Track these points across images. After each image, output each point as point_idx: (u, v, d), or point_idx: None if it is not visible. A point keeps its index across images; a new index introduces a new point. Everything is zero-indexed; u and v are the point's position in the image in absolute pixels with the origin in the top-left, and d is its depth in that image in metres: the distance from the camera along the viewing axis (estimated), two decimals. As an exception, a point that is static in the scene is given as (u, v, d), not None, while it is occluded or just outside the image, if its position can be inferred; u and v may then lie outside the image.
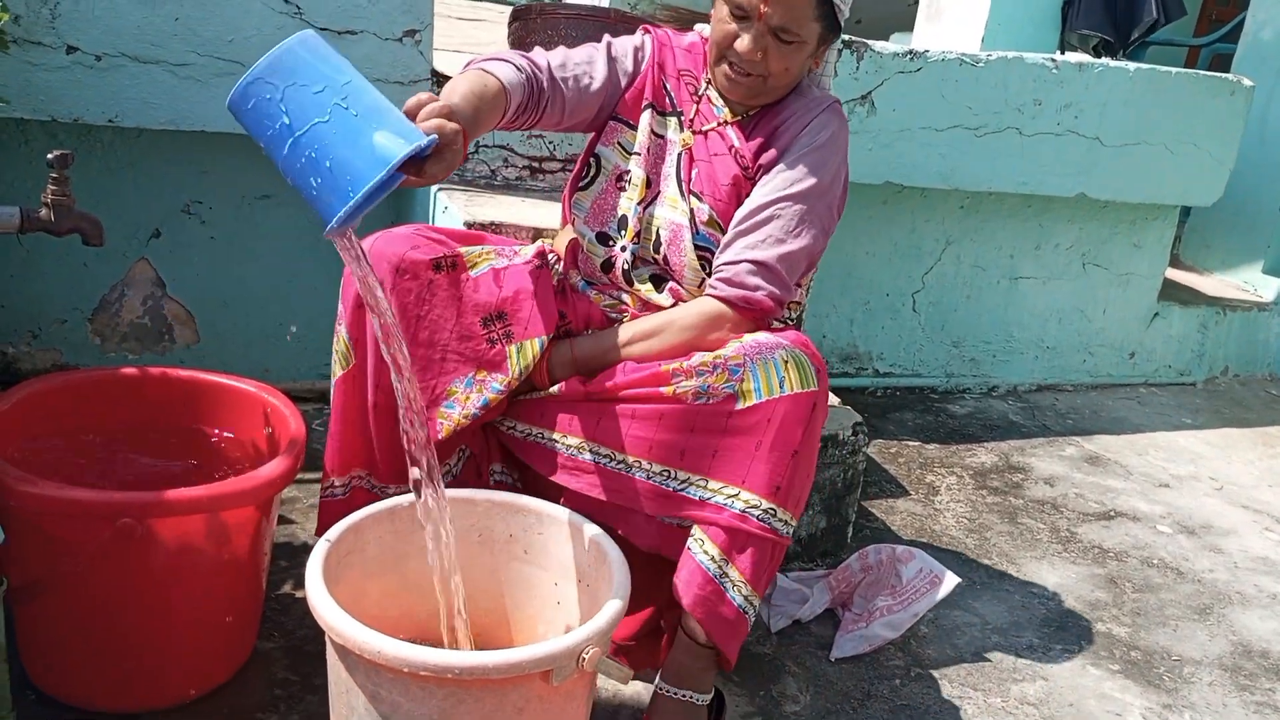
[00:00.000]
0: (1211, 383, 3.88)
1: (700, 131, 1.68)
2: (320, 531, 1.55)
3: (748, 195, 1.63)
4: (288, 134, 1.16)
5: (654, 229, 1.67)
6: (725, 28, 1.57)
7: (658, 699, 1.60)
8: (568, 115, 1.65)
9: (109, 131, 2.33)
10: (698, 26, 1.78)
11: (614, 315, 1.70)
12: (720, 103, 1.68)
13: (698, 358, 1.52)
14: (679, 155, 1.68)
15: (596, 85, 1.66)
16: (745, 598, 1.50)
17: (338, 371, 1.61)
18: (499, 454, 1.73)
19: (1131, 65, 3.19)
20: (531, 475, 1.68)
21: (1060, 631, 2.15)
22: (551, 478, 1.60)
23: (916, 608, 1.99)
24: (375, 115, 1.18)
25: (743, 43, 1.56)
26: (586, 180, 1.73)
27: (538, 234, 2.19)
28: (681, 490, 1.51)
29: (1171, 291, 3.79)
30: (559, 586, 1.54)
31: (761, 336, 1.55)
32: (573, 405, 1.59)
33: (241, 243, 2.53)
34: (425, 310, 1.56)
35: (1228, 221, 4.11)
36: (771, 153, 1.63)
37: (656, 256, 1.68)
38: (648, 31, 1.74)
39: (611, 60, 1.69)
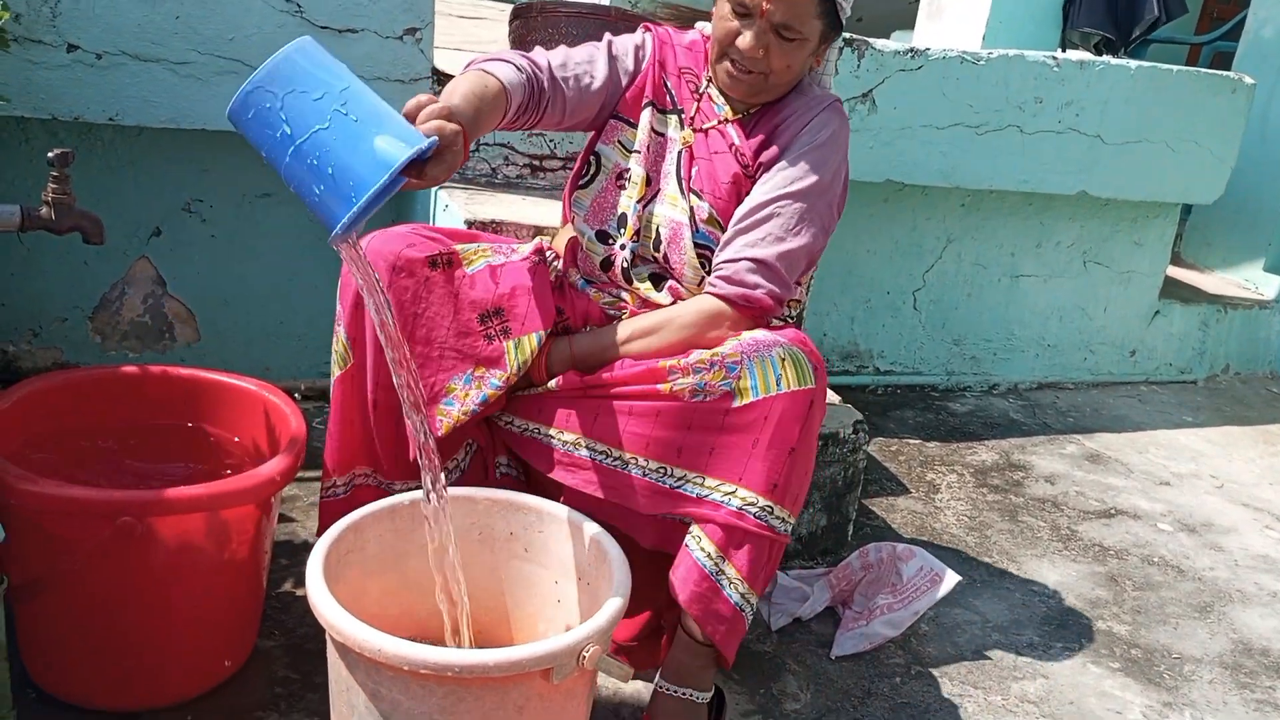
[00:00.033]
0: (1212, 381, 3.88)
1: (701, 129, 1.68)
2: (321, 531, 1.55)
3: (748, 193, 1.63)
4: (289, 142, 1.16)
5: (654, 227, 1.67)
6: (727, 25, 1.57)
7: (658, 697, 1.60)
8: (569, 115, 1.65)
9: (109, 130, 2.33)
10: (699, 24, 1.78)
11: (613, 313, 1.70)
12: (721, 100, 1.68)
13: (695, 355, 1.52)
14: (679, 153, 1.68)
15: (597, 84, 1.66)
16: (742, 595, 1.50)
17: (336, 371, 1.61)
18: (504, 447, 1.74)
19: (1133, 63, 3.19)
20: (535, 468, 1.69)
21: (1061, 629, 2.15)
22: (548, 474, 1.61)
23: (917, 606, 1.99)
24: (375, 120, 1.18)
25: (745, 40, 1.56)
26: (586, 178, 1.73)
27: (538, 232, 2.19)
28: (678, 487, 1.51)
29: (1172, 289, 3.79)
30: (559, 585, 1.54)
31: (759, 334, 1.55)
32: (571, 401, 1.59)
33: (242, 241, 2.53)
34: (422, 308, 1.57)
35: (1229, 219, 4.11)
36: (772, 151, 1.63)
37: (656, 255, 1.68)
38: (648, 29, 1.74)
39: (612, 59, 1.69)
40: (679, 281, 1.68)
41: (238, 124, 1.20)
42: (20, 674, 1.53)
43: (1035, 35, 4.37)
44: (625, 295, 1.71)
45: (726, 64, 1.61)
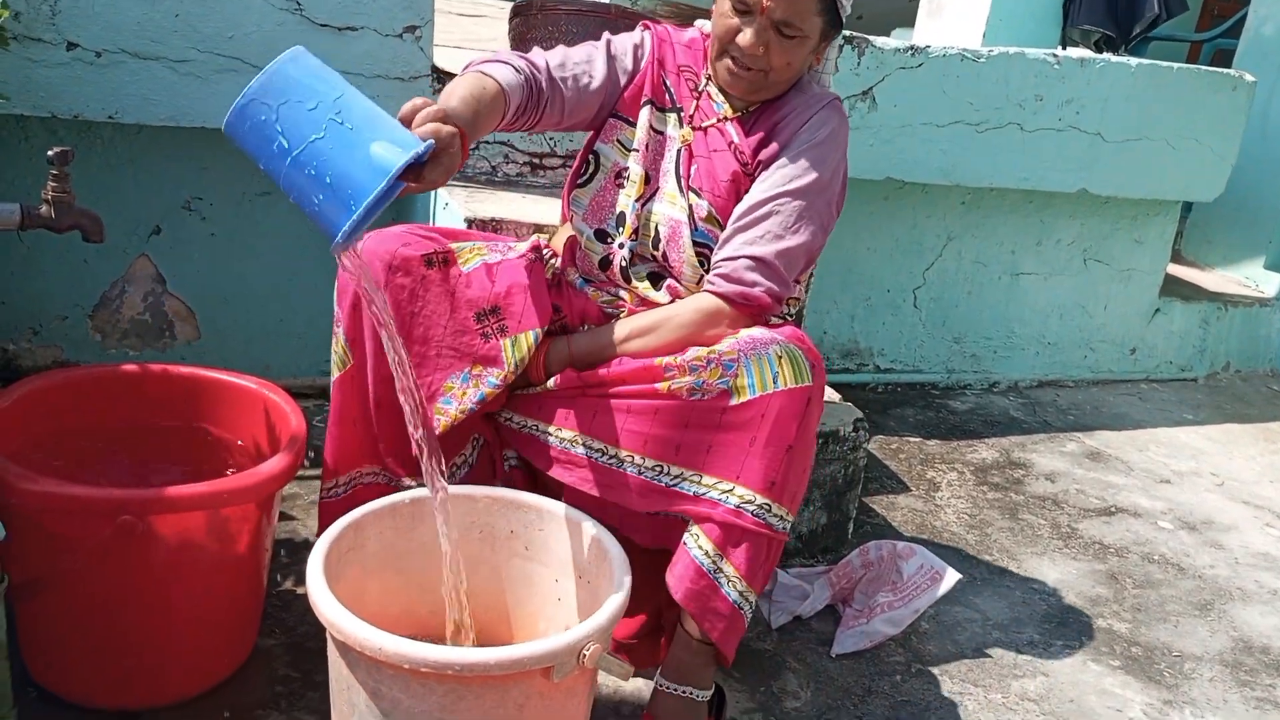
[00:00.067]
0: (1213, 378, 3.88)
1: (700, 127, 1.68)
2: (321, 532, 1.55)
3: (747, 191, 1.63)
4: (286, 153, 1.17)
5: (652, 225, 1.67)
6: (727, 22, 1.57)
7: (658, 695, 1.60)
8: (568, 115, 1.65)
9: (109, 128, 2.33)
10: (698, 22, 1.78)
11: (611, 312, 1.69)
12: (720, 99, 1.68)
13: (692, 353, 1.51)
14: (678, 151, 1.68)
15: (596, 84, 1.66)
16: (740, 593, 1.50)
17: (336, 373, 1.62)
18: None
19: (1133, 61, 3.19)
20: (539, 463, 1.69)
21: (1061, 627, 2.15)
22: (547, 471, 1.61)
23: (917, 604, 1.99)
24: (371, 126, 1.19)
25: (745, 37, 1.55)
26: (585, 177, 1.73)
27: (538, 230, 2.19)
28: (675, 485, 1.51)
29: (1173, 287, 3.79)
30: (560, 583, 1.54)
31: (756, 332, 1.54)
32: (570, 399, 1.59)
33: (242, 239, 2.53)
34: (419, 307, 1.57)
35: (1229, 217, 4.11)
36: (771, 149, 1.63)
37: (655, 253, 1.68)
38: (647, 28, 1.73)
39: (611, 58, 1.69)
40: (678, 280, 1.68)
41: (234, 138, 1.20)
42: (21, 673, 1.53)
43: (1035, 33, 4.37)
44: (623, 294, 1.70)
45: (726, 61, 1.60)
